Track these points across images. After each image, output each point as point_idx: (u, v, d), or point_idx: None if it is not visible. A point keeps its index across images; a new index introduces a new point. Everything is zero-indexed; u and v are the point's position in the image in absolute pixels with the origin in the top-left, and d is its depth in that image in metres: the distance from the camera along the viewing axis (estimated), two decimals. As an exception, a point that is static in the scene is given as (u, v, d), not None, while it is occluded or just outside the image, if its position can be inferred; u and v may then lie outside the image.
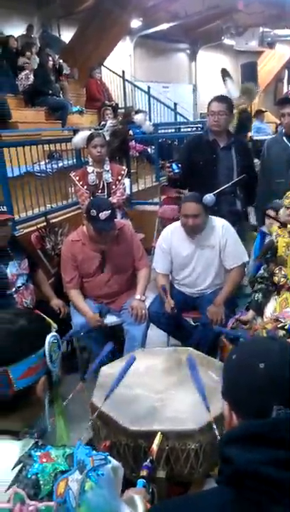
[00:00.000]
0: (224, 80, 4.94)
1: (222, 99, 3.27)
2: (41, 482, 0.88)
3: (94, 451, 0.96)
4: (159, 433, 1.59)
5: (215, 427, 1.69)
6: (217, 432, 1.66)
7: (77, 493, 0.87)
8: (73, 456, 0.93)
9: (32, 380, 1.01)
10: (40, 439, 1.00)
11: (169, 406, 1.86)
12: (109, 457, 0.95)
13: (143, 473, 1.40)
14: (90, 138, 3.70)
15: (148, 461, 1.44)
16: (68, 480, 0.89)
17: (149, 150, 6.82)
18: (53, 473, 0.90)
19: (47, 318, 1.14)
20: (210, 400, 1.79)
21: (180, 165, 3.19)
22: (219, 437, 1.61)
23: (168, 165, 3.24)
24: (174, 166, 3.17)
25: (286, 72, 14.44)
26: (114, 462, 0.97)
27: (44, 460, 0.91)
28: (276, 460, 0.83)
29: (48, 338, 1.05)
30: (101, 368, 2.15)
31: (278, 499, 0.81)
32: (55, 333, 1.07)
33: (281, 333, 2.43)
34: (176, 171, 3.17)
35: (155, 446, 1.53)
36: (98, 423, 1.91)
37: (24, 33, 8.28)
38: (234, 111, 5.21)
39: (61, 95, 7.39)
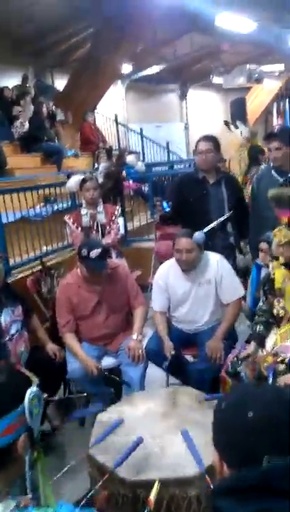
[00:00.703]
0: (229, 128, 5.33)
1: (208, 138, 3.36)
2: None
3: (77, 509, 0.92)
4: (157, 482, 1.53)
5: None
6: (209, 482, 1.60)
7: None
8: None
9: (11, 438, 0.98)
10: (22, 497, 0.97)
11: (167, 452, 1.80)
12: None
13: (141, 526, 1.34)
14: (83, 182, 3.78)
15: (145, 512, 1.38)
16: None
17: (143, 187, 6.93)
18: None
19: (28, 373, 1.12)
20: (209, 443, 1.73)
21: (170, 203, 3.24)
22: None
23: (159, 203, 3.30)
24: (165, 204, 3.22)
25: (275, 105, 14.82)
26: None
27: None
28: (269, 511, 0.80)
29: (28, 395, 1.02)
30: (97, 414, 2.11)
31: None
32: (35, 389, 1.05)
33: (281, 367, 2.39)
34: (167, 209, 3.22)
35: (152, 497, 1.47)
36: (95, 473, 1.85)
37: (19, 83, 8.60)
38: (244, 149, 5.60)
39: (56, 140, 7.59)
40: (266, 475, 0.84)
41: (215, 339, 2.74)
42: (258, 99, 14.05)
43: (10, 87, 7.97)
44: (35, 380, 1.10)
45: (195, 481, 1.67)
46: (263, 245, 3.10)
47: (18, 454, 1.00)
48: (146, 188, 6.81)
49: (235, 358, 2.58)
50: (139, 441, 1.75)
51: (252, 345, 2.66)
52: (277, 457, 0.85)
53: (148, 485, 1.58)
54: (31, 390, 1.03)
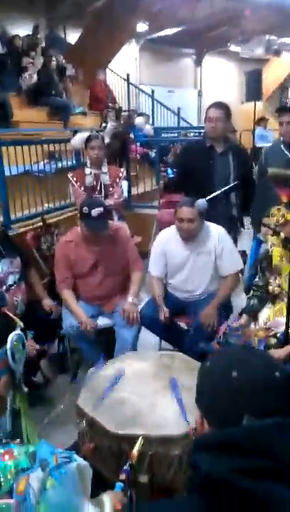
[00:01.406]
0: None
1: (220, 105, 3.27)
2: (1, 479, 0.87)
3: (59, 450, 0.94)
4: (141, 437, 1.57)
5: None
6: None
7: (38, 491, 0.85)
8: (36, 454, 0.92)
9: None
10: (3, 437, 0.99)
11: (155, 411, 1.84)
12: (74, 456, 0.94)
13: (122, 477, 1.39)
14: (88, 139, 3.71)
15: (127, 465, 1.42)
16: (29, 477, 0.87)
17: (150, 153, 6.82)
18: (14, 470, 0.89)
19: (13, 317, 1.12)
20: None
21: (175, 170, 3.19)
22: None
23: (164, 169, 3.25)
24: (169, 170, 3.18)
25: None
26: (81, 461, 0.96)
27: (6, 457, 0.90)
28: (247, 469, 0.82)
29: (11, 337, 1.03)
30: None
31: (248, 509, 0.80)
32: (19, 332, 1.06)
33: (273, 341, 2.42)
34: (171, 175, 3.17)
35: (135, 451, 1.51)
36: (83, 425, 1.89)
37: (30, 33, 8.29)
38: None
39: (64, 96, 7.40)
40: (245, 434, 0.85)
41: (210, 308, 2.76)
42: (274, 73, 13.68)
43: (21, 37, 7.70)
44: (19, 323, 1.11)
45: (179, 441, 1.71)
46: (266, 220, 3.08)
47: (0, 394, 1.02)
48: (152, 154, 6.71)
49: (227, 329, 2.61)
50: (120, 375, 1.78)
51: (245, 317, 2.69)
52: (258, 418, 0.86)
53: (134, 440, 1.63)
54: (15, 333, 1.04)
